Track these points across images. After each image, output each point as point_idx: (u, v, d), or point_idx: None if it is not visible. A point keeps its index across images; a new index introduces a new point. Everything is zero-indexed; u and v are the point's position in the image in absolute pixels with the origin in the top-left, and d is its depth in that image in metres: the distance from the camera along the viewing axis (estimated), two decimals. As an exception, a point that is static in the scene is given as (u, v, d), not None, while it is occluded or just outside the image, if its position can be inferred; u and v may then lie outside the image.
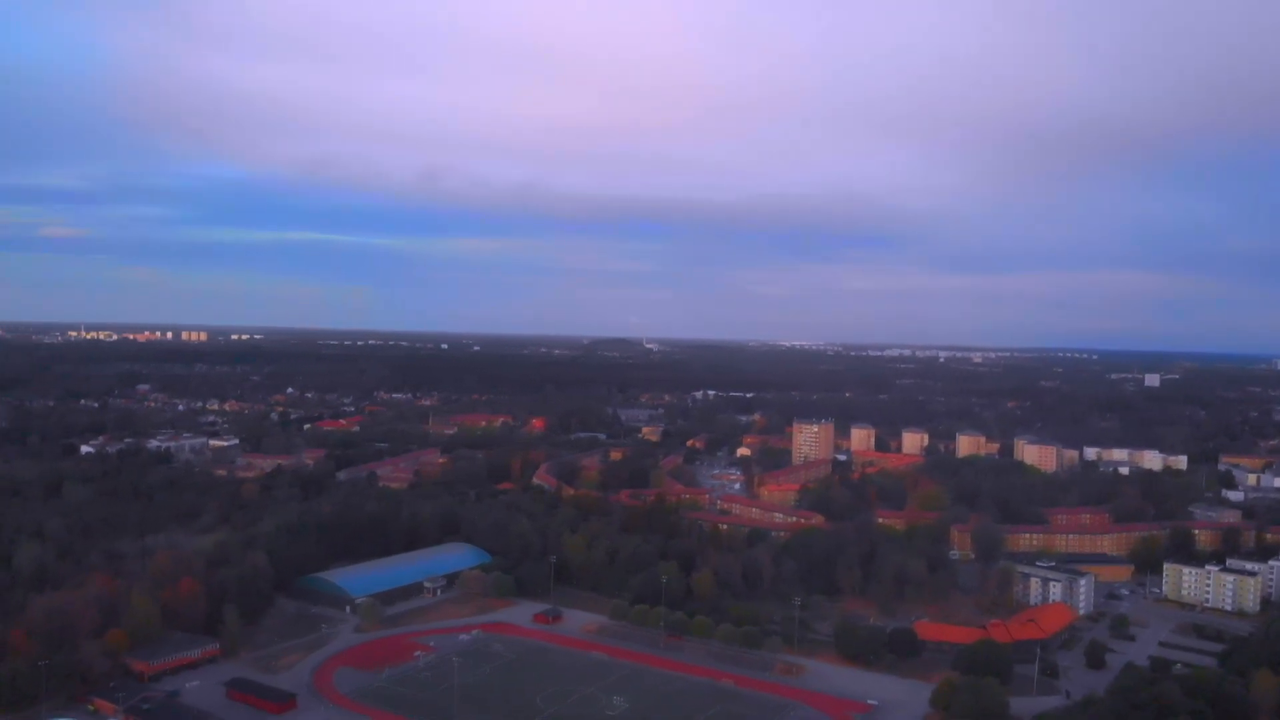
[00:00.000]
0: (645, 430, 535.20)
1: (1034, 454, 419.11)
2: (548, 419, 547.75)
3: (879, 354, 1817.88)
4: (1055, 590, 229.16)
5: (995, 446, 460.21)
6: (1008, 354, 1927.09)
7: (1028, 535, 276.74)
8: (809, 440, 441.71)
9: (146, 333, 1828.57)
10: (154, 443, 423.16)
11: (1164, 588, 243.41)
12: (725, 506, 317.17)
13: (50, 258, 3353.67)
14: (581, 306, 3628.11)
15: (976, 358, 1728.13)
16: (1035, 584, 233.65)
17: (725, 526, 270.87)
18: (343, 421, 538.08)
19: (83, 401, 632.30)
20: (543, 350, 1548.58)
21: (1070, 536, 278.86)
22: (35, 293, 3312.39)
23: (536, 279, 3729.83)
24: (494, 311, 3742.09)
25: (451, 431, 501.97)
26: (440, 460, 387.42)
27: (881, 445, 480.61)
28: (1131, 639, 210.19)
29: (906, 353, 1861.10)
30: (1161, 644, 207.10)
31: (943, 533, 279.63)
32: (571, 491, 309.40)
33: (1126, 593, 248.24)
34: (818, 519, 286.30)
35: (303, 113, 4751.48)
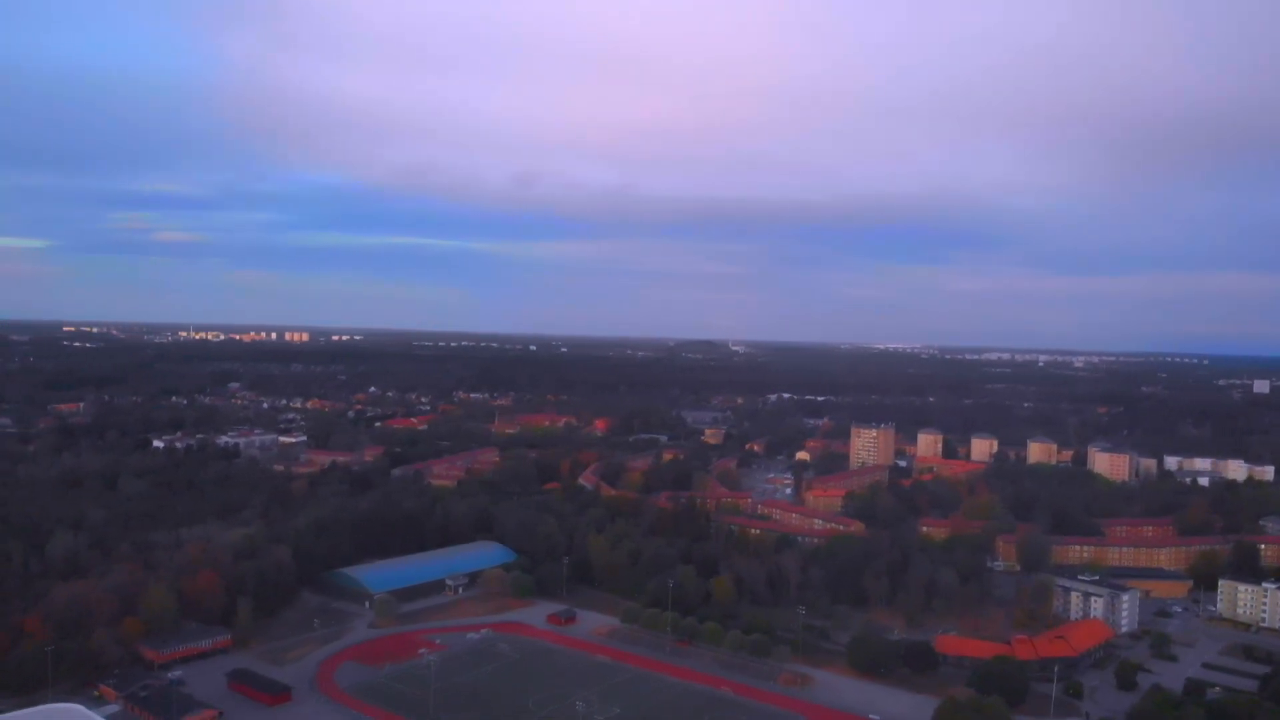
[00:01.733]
0: (708, 432, 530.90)
1: (1105, 462, 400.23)
2: (610, 420, 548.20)
3: (975, 358, 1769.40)
4: (1096, 605, 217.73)
5: (1069, 454, 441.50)
6: (1113, 359, 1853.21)
7: (1078, 547, 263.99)
8: (867, 445, 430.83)
9: (252, 333, 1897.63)
10: (224, 439, 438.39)
11: (1219, 605, 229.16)
12: (765, 511, 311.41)
13: (165, 261, 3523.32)
14: (669, 309, 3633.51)
15: (1078, 362, 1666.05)
16: (1076, 598, 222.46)
17: (757, 531, 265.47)
18: (413, 420, 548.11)
19: (174, 399, 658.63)
20: (627, 352, 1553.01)
21: (1124, 549, 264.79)
22: (151, 294, 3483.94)
23: (626, 281, 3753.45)
24: (583, 314, 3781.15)
25: (513, 431, 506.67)
26: (493, 459, 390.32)
27: (949, 451, 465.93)
28: (1173, 659, 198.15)
29: (1004, 356, 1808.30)
30: (1205, 665, 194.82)
31: (988, 543, 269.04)
32: (610, 492, 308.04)
33: (1179, 610, 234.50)
34: (857, 526, 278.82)
35: (403, 120, 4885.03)
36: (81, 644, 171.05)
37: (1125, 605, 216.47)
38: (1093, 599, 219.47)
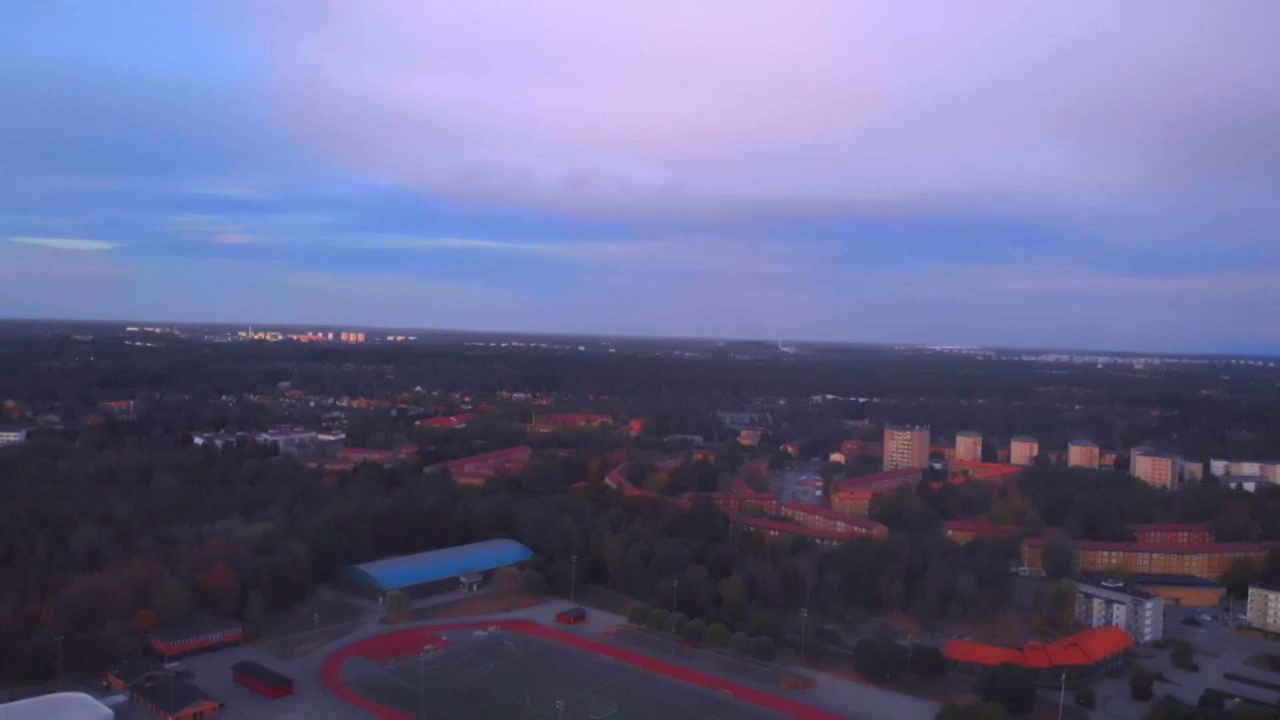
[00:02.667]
0: (744, 434, 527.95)
1: (1147, 466, 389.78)
2: (646, 420, 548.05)
3: (1031, 359, 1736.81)
4: (1119, 613, 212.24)
5: (1112, 458, 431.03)
6: (1175, 361, 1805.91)
7: (1106, 553, 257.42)
8: (901, 447, 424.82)
9: (309, 334, 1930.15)
10: (264, 436, 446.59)
11: (1249, 614, 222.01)
12: (788, 513, 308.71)
13: (227, 263, 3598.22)
14: (719, 309, 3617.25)
15: (1138, 364, 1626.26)
16: (1098, 605, 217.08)
17: (776, 533, 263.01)
18: (452, 419, 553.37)
19: (223, 397, 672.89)
20: (675, 353, 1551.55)
21: (1154, 556, 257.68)
22: (213, 295, 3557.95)
23: (676, 282, 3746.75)
24: (634, 314, 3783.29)
25: (547, 430, 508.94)
26: (523, 458, 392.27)
27: (988, 454, 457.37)
28: (1194, 669, 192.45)
29: (1063, 358, 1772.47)
30: (1227, 676, 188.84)
31: (1013, 548, 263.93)
32: (634, 492, 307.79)
33: (1208, 619, 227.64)
34: (880, 529, 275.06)
35: (457, 123, 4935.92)
36: (94, 634, 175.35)
37: (1148, 613, 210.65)
38: (1115, 606, 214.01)
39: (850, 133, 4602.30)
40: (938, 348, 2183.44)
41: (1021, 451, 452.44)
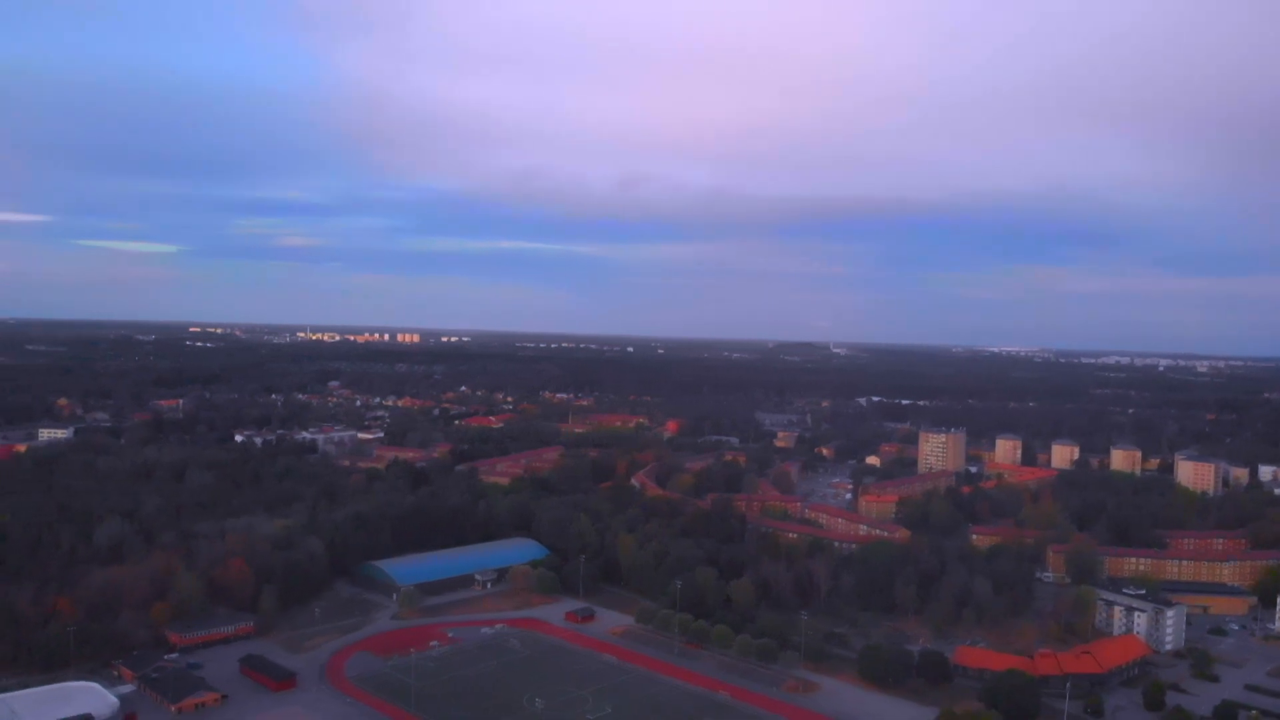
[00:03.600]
0: (781, 435, 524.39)
1: (1189, 471, 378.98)
2: (682, 421, 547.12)
3: (1091, 361, 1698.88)
4: (1139, 621, 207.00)
5: (1155, 462, 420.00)
6: (1241, 363, 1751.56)
7: (1134, 560, 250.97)
8: (936, 450, 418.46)
9: (366, 335, 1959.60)
10: (304, 434, 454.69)
11: (1277, 623, 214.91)
12: (812, 516, 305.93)
13: (288, 265, 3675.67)
14: (771, 310, 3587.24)
15: (1201, 367, 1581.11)
16: (1119, 613, 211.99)
17: (794, 536, 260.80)
18: (491, 419, 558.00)
19: (272, 396, 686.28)
20: (724, 354, 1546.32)
21: (1183, 563, 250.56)
22: (273, 297, 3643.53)
23: (728, 283, 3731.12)
24: (684, 316, 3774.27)
25: (582, 430, 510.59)
26: (553, 458, 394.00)
27: (1029, 457, 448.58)
28: (1214, 680, 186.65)
29: (1124, 361, 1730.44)
30: (1248, 687, 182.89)
31: (1038, 553, 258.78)
32: (657, 492, 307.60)
33: (1236, 628, 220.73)
34: (902, 533, 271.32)
35: (509, 127, 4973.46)
36: (108, 626, 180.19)
37: (1169, 621, 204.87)
38: (1136, 614, 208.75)
39: (903, 130, 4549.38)
40: (995, 349, 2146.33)
41: (1062, 455, 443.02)
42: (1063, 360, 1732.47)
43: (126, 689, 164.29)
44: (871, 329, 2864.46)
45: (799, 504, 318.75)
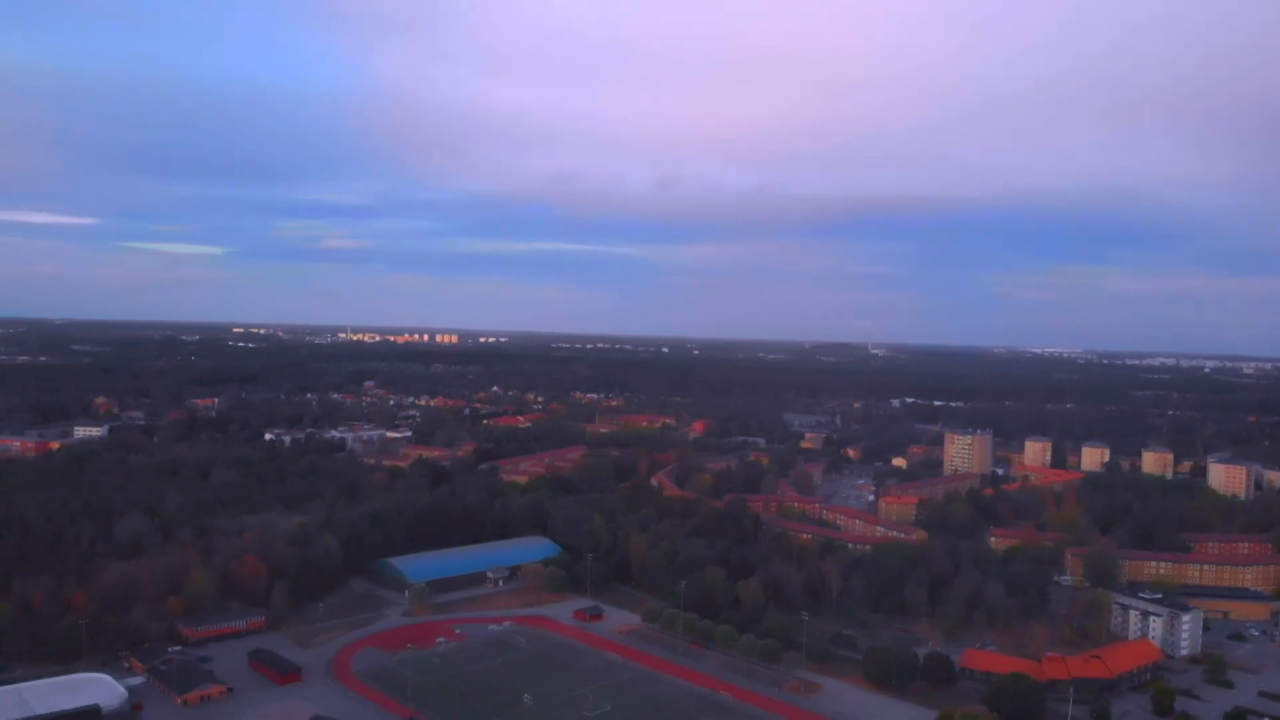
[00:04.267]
0: (808, 436, 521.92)
1: (1221, 474, 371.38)
2: (709, 422, 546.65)
3: (1135, 363, 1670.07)
4: (1155, 625, 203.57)
5: (1188, 465, 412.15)
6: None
7: (1154, 564, 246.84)
8: (961, 451, 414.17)
9: (406, 335, 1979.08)
10: (334, 433, 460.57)
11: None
12: (830, 517, 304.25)
13: (331, 267, 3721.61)
14: (810, 311, 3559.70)
15: (1248, 368, 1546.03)
16: (1134, 617, 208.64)
17: (808, 536, 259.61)
18: (519, 418, 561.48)
19: (307, 395, 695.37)
20: (759, 355, 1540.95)
21: (1205, 567, 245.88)
22: (316, 298, 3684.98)
23: (765, 283, 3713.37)
24: (720, 316, 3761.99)
25: (607, 430, 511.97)
26: (575, 457, 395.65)
27: (1059, 459, 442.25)
28: (1228, 686, 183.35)
29: (1168, 362, 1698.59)
30: (1261, 694, 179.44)
31: (1056, 556, 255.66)
32: (675, 492, 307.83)
33: (1256, 633, 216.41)
34: (919, 535, 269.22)
35: (548, 129, 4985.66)
36: (122, 619, 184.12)
37: (1185, 626, 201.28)
38: (1151, 618, 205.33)
39: (944, 127, 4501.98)
40: (1038, 350, 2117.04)
41: (1093, 457, 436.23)
42: (1105, 362, 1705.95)
43: (136, 681, 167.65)
44: (911, 329, 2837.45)
45: (817, 505, 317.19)
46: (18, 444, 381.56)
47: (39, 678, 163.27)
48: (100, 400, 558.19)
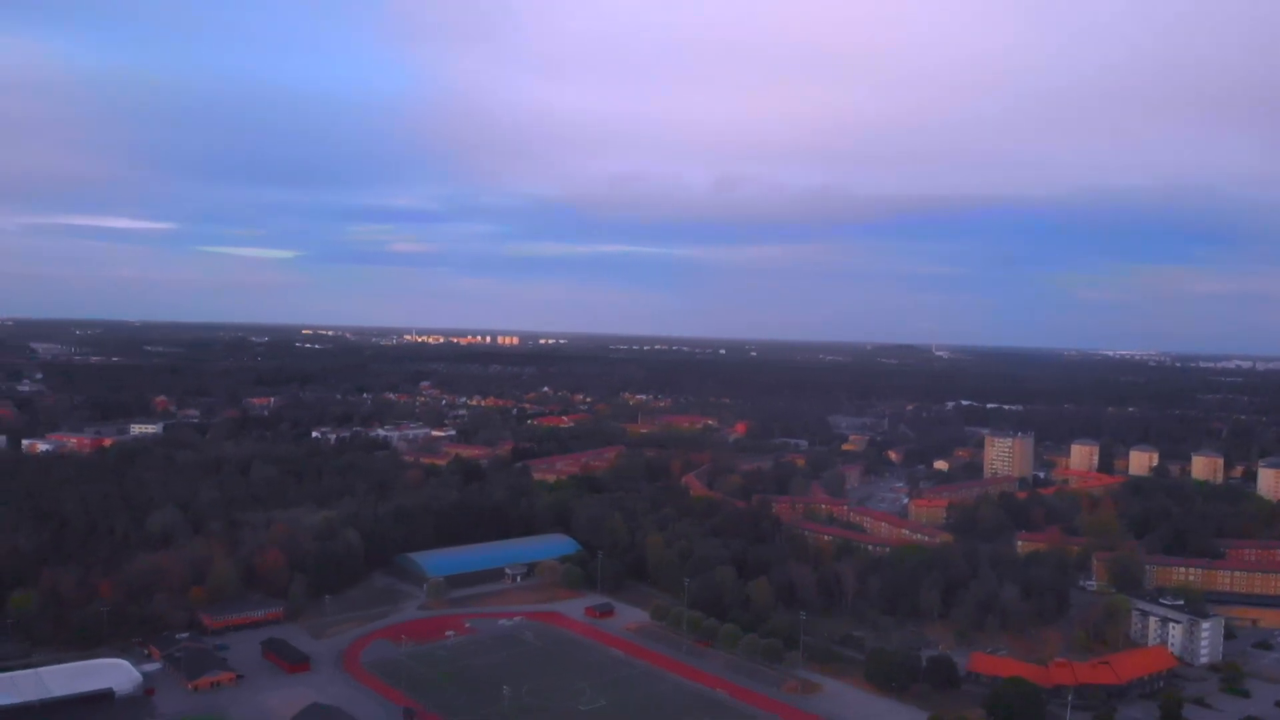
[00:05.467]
0: (853, 438, 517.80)
1: (1270, 480, 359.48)
2: (751, 423, 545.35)
3: (1209, 365, 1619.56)
4: (1174, 632, 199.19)
5: (1239, 470, 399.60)
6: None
7: (1183, 570, 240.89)
8: (1002, 455, 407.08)
9: (468, 337, 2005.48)
10: (379, 431, 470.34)
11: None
12: (856, 519, 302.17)
13: (399, 270, 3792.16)
14: (873, 312, 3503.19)
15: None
16: (1154, 623, 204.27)
17: (828, 538, 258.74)
18: (563, 418, 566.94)
19: (364, 395, 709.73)
20: (818, 356, 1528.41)
21: (1235, 573, 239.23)
22: (385, 300, 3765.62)
23: (828, 284, 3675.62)
24: (782, 317, 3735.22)
25: (647, 430, 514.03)
26: (609, 457, 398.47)
27: (1106, 463, 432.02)
28: (1244, 695, 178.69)
29: (1245, 365, 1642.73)
30: (1278, 704, 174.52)
31: (1083, 561, 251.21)
32: (702, 492, 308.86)
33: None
34: (944, 538, 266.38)
35: (610, 131, 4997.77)
36: (145, 607, 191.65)
37: (1205, 633, 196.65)
38: (1171, 625, 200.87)
39: (1011, 125, 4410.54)
40: (1110, 353, 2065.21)
41: (1140, 461, 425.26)
42: (1178, 364, 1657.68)
43: (153, 667, 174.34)
44: (977, 331, 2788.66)
45: (845, 507, 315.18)
46: (74, 440, 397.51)
47: (61, 662, 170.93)
48: (160, 399, 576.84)
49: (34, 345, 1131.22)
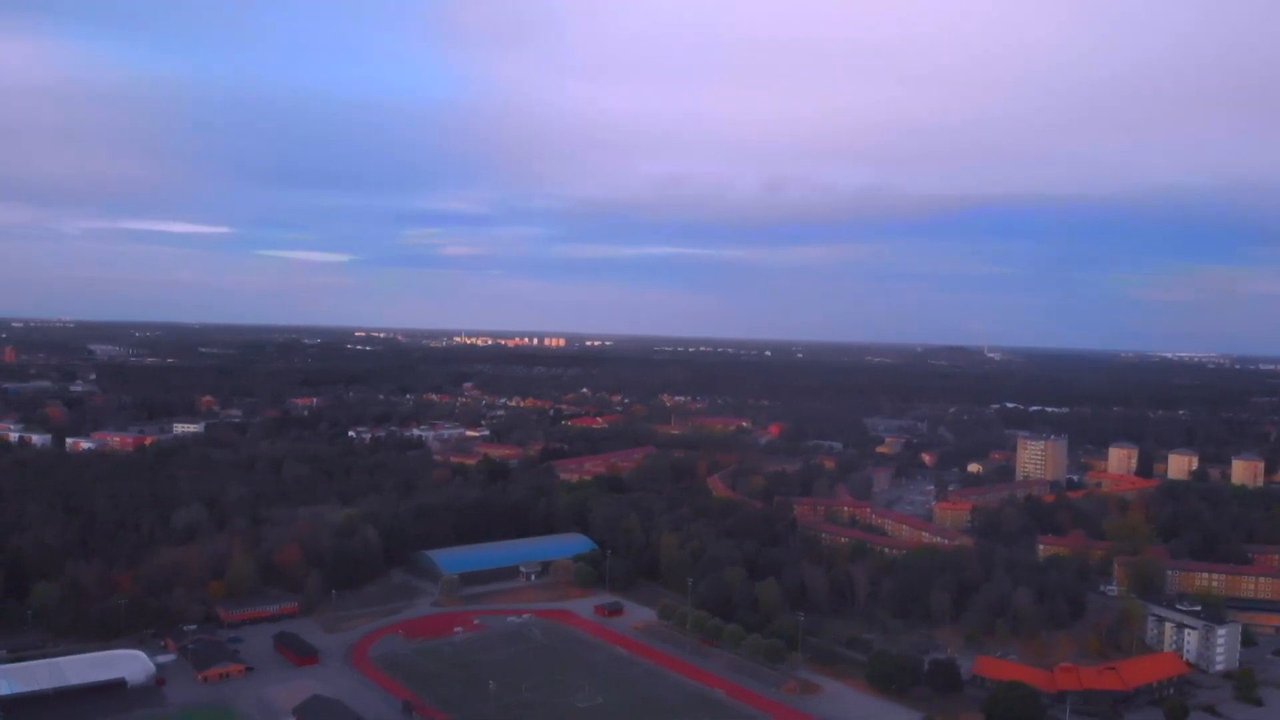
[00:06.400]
0: (888, 440, 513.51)
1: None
2: (785, 425, 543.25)
3: (1271, 368, 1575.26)
4: (1190, 638, 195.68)
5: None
6: None
7: (1206, 575, 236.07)
8: (1034, 458, 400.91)
9: (516, 339, 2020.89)
10: (415, 431, 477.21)
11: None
12: (878, 522, 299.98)
13: (450, 273, 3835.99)
14: (924, 313, 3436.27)
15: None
16: (1169, 629, 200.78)
17: (845, 540, 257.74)
18: (597, 419, 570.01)
19: (406, 395, 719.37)
20: (866, 358, 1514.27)
21: (1261, 579, 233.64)
22: (436, 303, 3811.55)
23: (878, 285, 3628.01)
24: (830, 319, 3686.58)
25: (677, 432, 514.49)
26: (636, 458, 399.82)
27: (1145, 467, 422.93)
28: (1258, 703, 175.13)
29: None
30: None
31: (1104, 565, 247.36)
32: (725, 494, 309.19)
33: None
34: (963, 541, 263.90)
35: (656, 133, 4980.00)
36: (164, 600, 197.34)
37: (1221, 639, 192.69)
38: (1186, 631, 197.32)
39: (1068, 123, 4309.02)
40: (1167, 355, 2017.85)
41: (1179, 465, 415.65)
42: (1238, 367, 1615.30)
43: (167, 658, 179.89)
44: (1031, 332, 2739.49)
45: (868, 510, 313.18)
46: (117, 439, 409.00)
47: (80, 653, 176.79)
48: (206, 399, 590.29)
49: (92, 347, 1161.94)
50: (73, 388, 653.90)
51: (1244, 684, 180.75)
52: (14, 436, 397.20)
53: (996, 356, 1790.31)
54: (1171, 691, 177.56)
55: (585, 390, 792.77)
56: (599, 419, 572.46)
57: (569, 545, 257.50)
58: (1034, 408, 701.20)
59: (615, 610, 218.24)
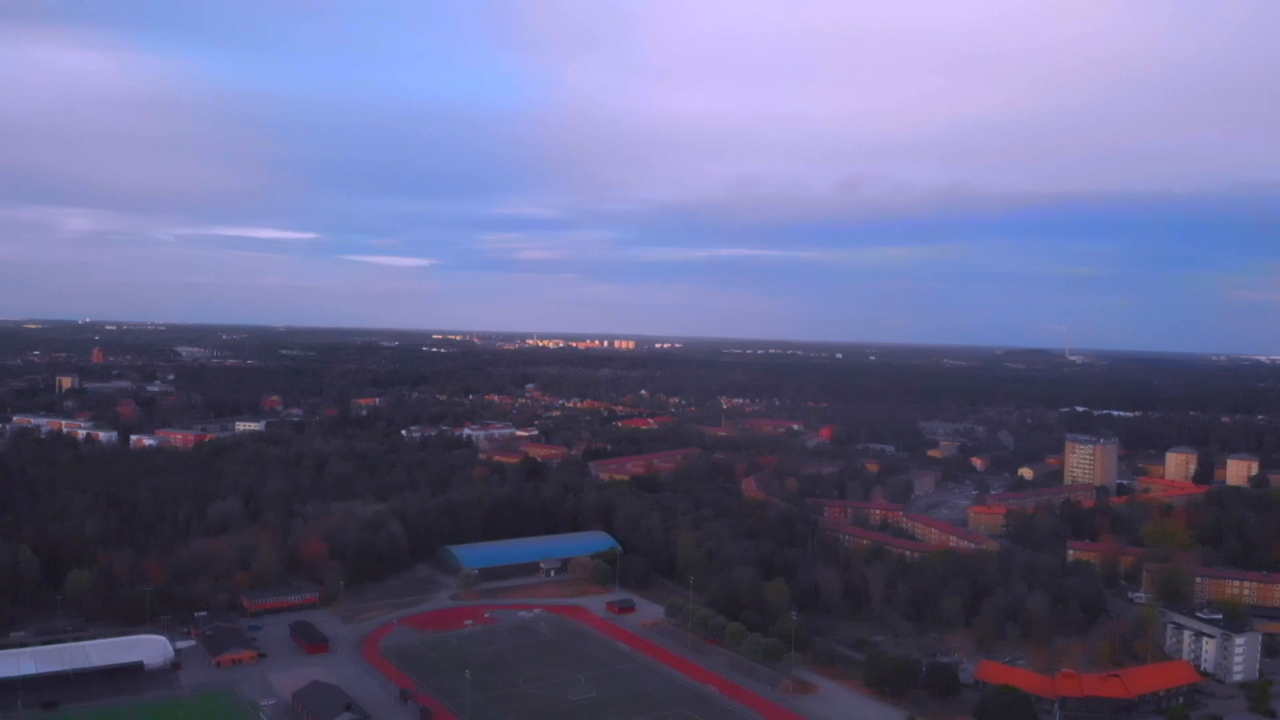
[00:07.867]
0: (942, 444, 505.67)
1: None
2: (837, 428, 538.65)
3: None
4: (1207, 647, 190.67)
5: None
6: None
7: (1236, 583, 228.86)
8: (1082, 462, 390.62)
9: (587, 342, 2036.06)
10: (466, 431, 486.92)
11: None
12: (908, 526, 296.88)
13: (526, 276, 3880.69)
14: (1004, 315, 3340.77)
15: None
16: (1188, 637, 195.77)
17: (866, 542, 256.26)
18: (648, 421, 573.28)
19: (469, 396, 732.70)
20: (941, 361, 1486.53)
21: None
22: (513, 306, 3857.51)
23: (956, 286, 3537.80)
24: (906, 321, 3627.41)
25: (724, 434, 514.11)
26: (676, 459, 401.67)
27: (1205, 472, 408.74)
28: (1270, 715, 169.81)
29: None
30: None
31: (1134, 572, 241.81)
32: (757, 495, 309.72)
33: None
34: (989, 545, 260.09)
35: (729, 135, 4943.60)
36: (190, 588, 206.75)
37: (1239, 648, 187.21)
38: (1205, 639, 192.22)
39: (1156, 118, 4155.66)
40: (1262, 358, 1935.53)
41: (1238, 471, 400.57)
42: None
43: (187, 644, 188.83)
44: (1117, 335, 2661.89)
45: (899, 513, 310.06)
46: (179, 436, 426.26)
47: (109, 637, 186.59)
48: (271, 399, 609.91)
49: (179, 349, 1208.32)
50: (149, 387, 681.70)
51: (1258, 694, 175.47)
52: (82, 433, 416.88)
53: (1078, 360, 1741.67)
54: (1180, 701, 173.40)
55: (644, 392, 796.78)
56: (650, 420, 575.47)
57: (590, 543, 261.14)
58: (1100, 412, 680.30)
59: (626, 607, 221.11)
